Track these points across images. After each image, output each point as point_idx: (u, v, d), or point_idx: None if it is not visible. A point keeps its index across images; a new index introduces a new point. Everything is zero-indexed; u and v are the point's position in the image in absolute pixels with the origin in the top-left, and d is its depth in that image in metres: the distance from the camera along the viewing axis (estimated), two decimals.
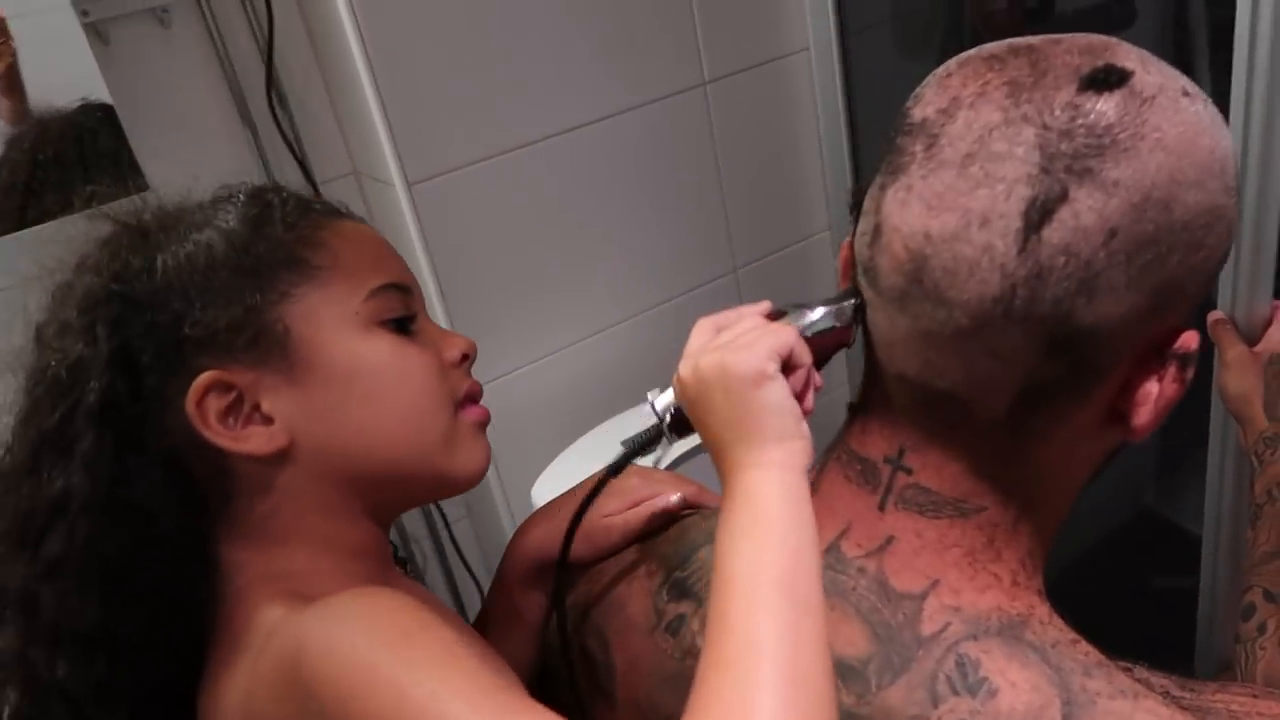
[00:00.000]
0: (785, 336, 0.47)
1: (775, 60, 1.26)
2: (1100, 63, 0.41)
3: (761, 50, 1.24)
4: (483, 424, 0.60)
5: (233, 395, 0.52)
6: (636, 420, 1.15)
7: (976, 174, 0.41)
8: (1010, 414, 0.45)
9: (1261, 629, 0.78)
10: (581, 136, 1.13)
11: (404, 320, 0.56)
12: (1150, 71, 0.42)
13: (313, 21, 1.05)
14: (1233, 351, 0.84)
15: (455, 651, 0.43)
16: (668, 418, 0.52)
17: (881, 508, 0.49)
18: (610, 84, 1.14)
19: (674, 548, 0.57)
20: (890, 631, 0.47)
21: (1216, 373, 0.87)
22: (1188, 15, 1.37)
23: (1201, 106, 0.42)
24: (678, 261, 1.27)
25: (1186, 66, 1.46)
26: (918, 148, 0.43)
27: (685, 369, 0.48)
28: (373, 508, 0.57)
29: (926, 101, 0.44)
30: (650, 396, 0.53)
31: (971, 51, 0.46)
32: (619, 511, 0.61)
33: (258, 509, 0.53)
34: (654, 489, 0.61)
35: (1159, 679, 0.48)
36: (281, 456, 0.53)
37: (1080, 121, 0.40)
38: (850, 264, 0.50)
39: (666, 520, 0.60)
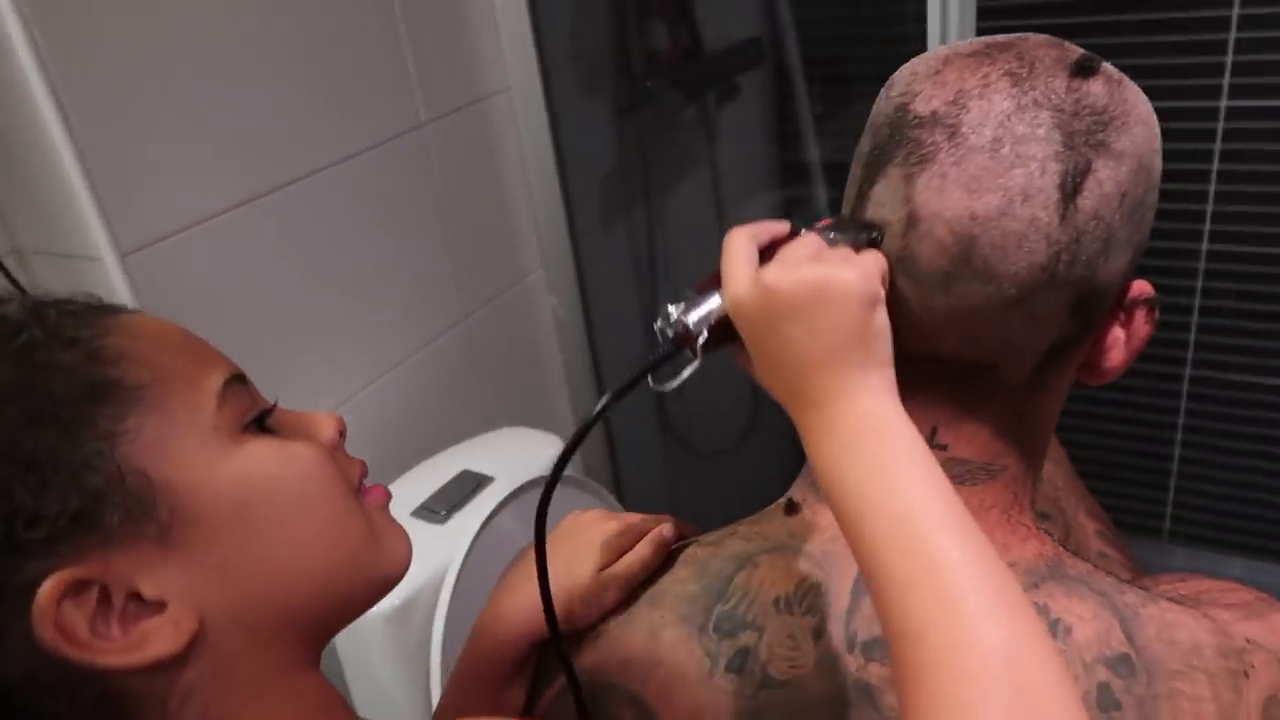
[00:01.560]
0: (881, 261, 0.46)
1: (481, 101, 1.23)
2: (1075, 54, 0.48)
3: (467, 91, 1.21)
4: (388, 504, 0.51)
5: (94, 593, 0.38)
6: (405, 491, 1.05)
7: (1008, 155, 0.45)
8: (1034, 373, 0.50)
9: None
10: (308, 186, 1.02)
11: (263, 416, 0.45)
12: (1103, 60, 0.49)
13: None
14: None
15: None
16: (705, 333, 0.47)
17: None
18: (334, 128, 1.04)
19: (698, 583, 0.54)
20: None
21: None
22: (787, 62, 1.67)
23: None
24: (414, 314, 1.19)
25: (789, 90, 1.73)
26: (939, 137, 0.46)
27: (779, 278, 0.44)
28: (314, 648, 0.46)
29: (928, 96, 0.47)
30: (672, 310, 0.47)
31: (944, 50, 0.50)
32: (609, 563, 0.56)
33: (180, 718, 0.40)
34: (638, 530, 0.57)
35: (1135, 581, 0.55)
36: (194, 644, 0.40)
37: (1085, 103, 0.46)
38: None
39: (663, 560, 0.56)
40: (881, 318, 0.44)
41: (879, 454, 0.42)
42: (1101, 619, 0.49)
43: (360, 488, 0.49)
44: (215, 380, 0.43)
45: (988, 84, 0.46)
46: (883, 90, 0.51)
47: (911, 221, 0.47)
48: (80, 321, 0.41)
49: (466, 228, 1.24)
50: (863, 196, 0.50)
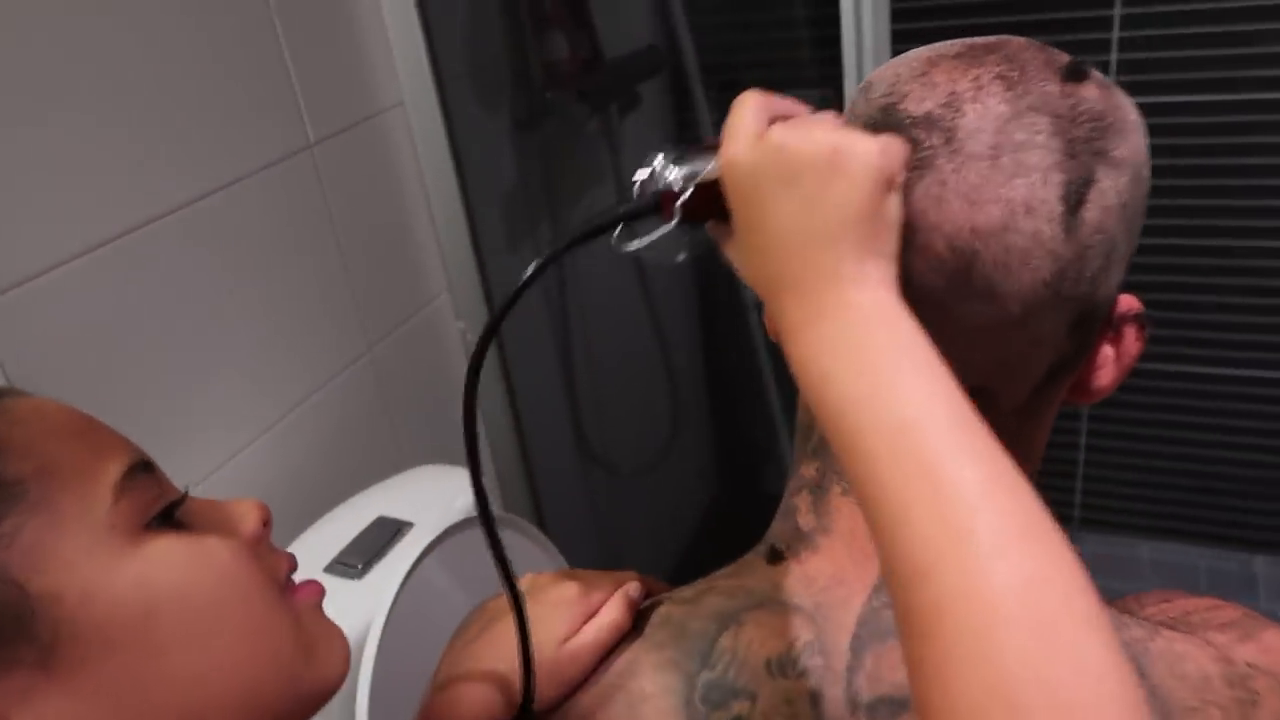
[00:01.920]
0: (906, 146, 0.41)
1: (373, 117, 1.15)
2: (1065, 58, 0.44)
3: (359, 107, 1.13)
4: (320, 603, 0.45)
5: None
6: (314, 544, 0.97)
7: (1008, 165, 0.41)
8: (1029, 397, 0.46)
9: None
10: (188, 217, 0.92)
11: (171, 509, 0.39)
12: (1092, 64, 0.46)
13: None
14: None
15: None
16: (689, 191, 0.41)
17: None
18: (213, 153, 0.94)
19: (678, 648, 0.48)
20: None
21: None
22: (685, 70, 1.68)
23: None
24: (313, 349, 1.10)
25: (689, 100, 1.73)
26: (935, 140, 0.42)
27: (787, 135, 0.39)
28: None
29: (919, 97, 0.43)
30: (658, 161, 0.42)
31: (925, 52, 0.46)
32: (573, 631, 0.50)
33: None
34: (599, 592, 0.51)
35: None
36: None
37: (1082, 109, 0.42)
38: None
39: (632, 624, 0.51)
40: (894, 204, 0.40)
41: (873, 350, 0.36)
42: None
43: (288, 585, 0.43)
44: (113, 470, 0.37)
45: (980, 86, 0.43)
46: (858, 94, 0.47)
47: (908, 232, 0.42)
48: None
49: (365, 253, 1.16)
50: None
